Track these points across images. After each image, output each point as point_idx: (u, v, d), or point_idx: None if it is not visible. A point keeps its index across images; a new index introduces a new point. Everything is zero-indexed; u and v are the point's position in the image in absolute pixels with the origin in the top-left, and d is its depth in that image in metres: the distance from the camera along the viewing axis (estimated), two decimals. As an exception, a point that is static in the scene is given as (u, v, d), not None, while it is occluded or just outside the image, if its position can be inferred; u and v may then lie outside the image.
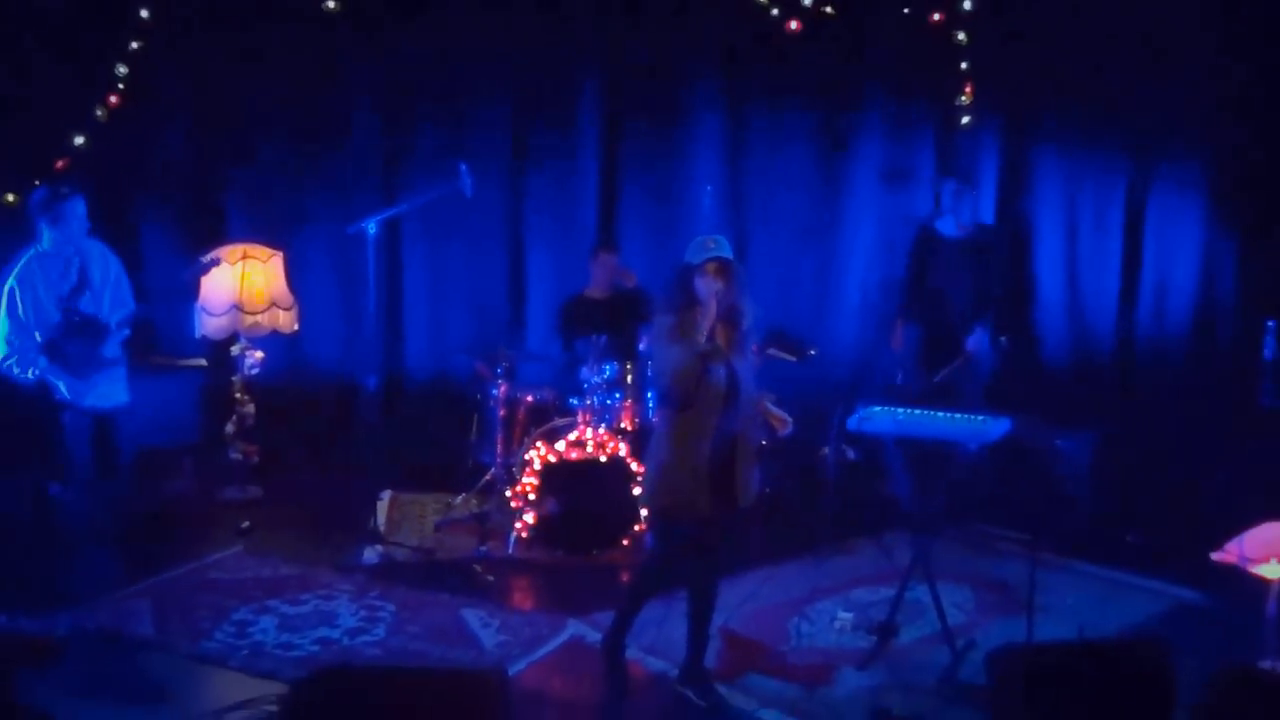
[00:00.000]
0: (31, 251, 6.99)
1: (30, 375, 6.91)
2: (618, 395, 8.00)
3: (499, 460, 8.20)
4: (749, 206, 9.71)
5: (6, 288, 6.91)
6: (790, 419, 5.80)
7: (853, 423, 6.38)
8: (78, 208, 6.96)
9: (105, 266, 7.12)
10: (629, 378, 8.05)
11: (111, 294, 7.11)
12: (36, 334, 6.88)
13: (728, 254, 5.57)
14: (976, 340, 8.13)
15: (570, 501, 7.71)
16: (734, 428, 5.65)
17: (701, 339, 5.55)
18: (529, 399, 8.36)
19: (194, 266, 7.84)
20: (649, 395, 7.86)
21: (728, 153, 9.70)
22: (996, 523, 7.98)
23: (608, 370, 7.94)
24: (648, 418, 7.86)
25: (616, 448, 7.72)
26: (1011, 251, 9.15)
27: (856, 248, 9.87)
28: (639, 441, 7.46)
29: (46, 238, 6.98)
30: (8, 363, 6.88)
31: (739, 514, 5.82)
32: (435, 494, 8.59)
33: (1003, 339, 8.10)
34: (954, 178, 8.53)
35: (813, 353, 8.35)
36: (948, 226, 8.39)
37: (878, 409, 6.42)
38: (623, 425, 7.97)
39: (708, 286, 5.55)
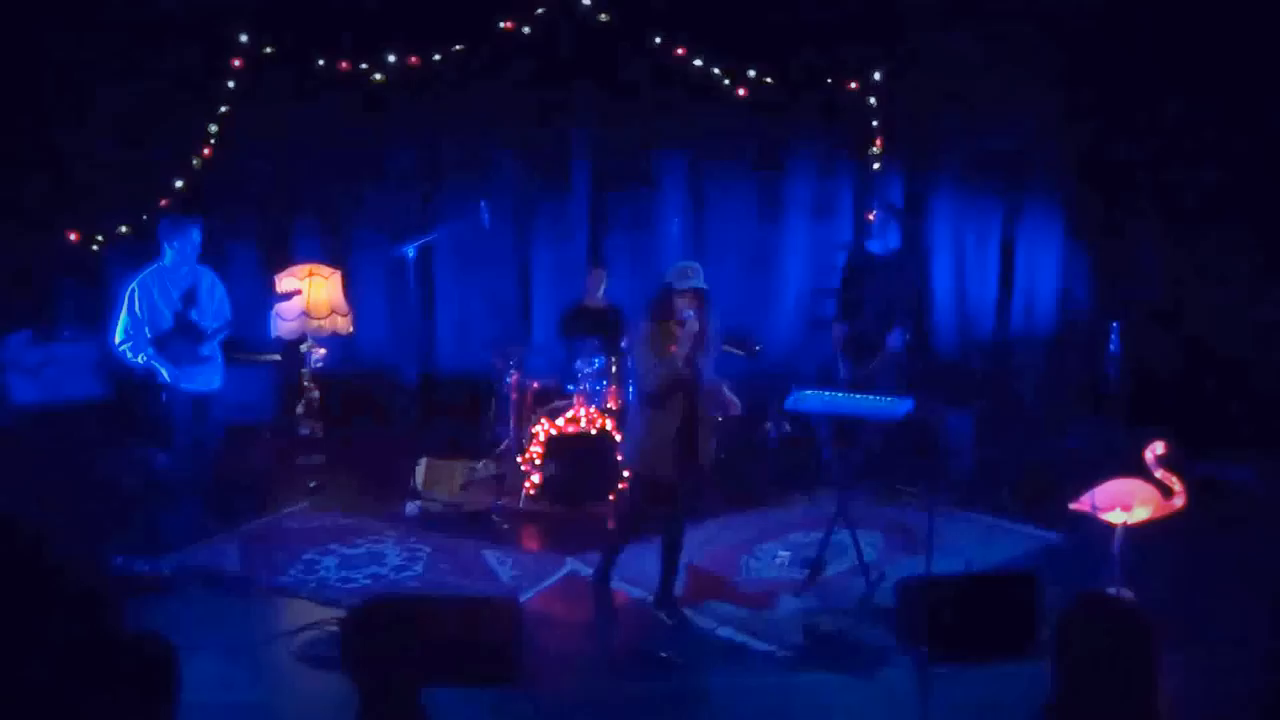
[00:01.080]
0: (155, 265, 6.86)
1: (140, 360, 6.75)
2: (604, 382, 7.95)
3: (512, 433, 8.11)
4: (708, 234, 9.57)
5: (130, 289, 6.79)
6: (739, 401, 5.75)
7: (789, 403, 6.33)
8: (194, 234, 6.83)
9: (212, 287, 6.98)
10: (613, 369, 7.99)
11: (215, 309, 6.97)
12: (147, 329, 6.75)
13: (703, 283, 5.50)
14: (895, 338, 7.88)
15: (567, 465, 7.66)
16: (696, 409, 5.65)
17: (679, 351, 5.47)
18: (535, 385, 8.28)
19: (276, 297, 7.81)
20: (629, 382, 7.66)
21: (691, 193, 9.55)
22: (902, 480, 7.86)
23: (597, 362, 7.88)
24: (628, 399, 7.60)
25: (604, 423, 7.68)
26: (918, 268, 9.01)
27: (792, 265, 9.75)
28: (621, 417, 7.41)
29: (168, 256, 6.84)
30: (123, 346, 6.72)
31: (700, 474, 5.82)
32: (462, 460, 8.42)
33: (901, 332, 7.95)
34: (882, 208, 8.28)
35: (758, 349, 8.32)
36: (876, 247, 8.15)
37: (809, 392, 6.38)
38: (609, 405, 7.92)
39: (685, 307, 5.51)
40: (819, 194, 9.57)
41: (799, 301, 9.72)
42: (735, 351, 7.76)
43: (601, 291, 8.43)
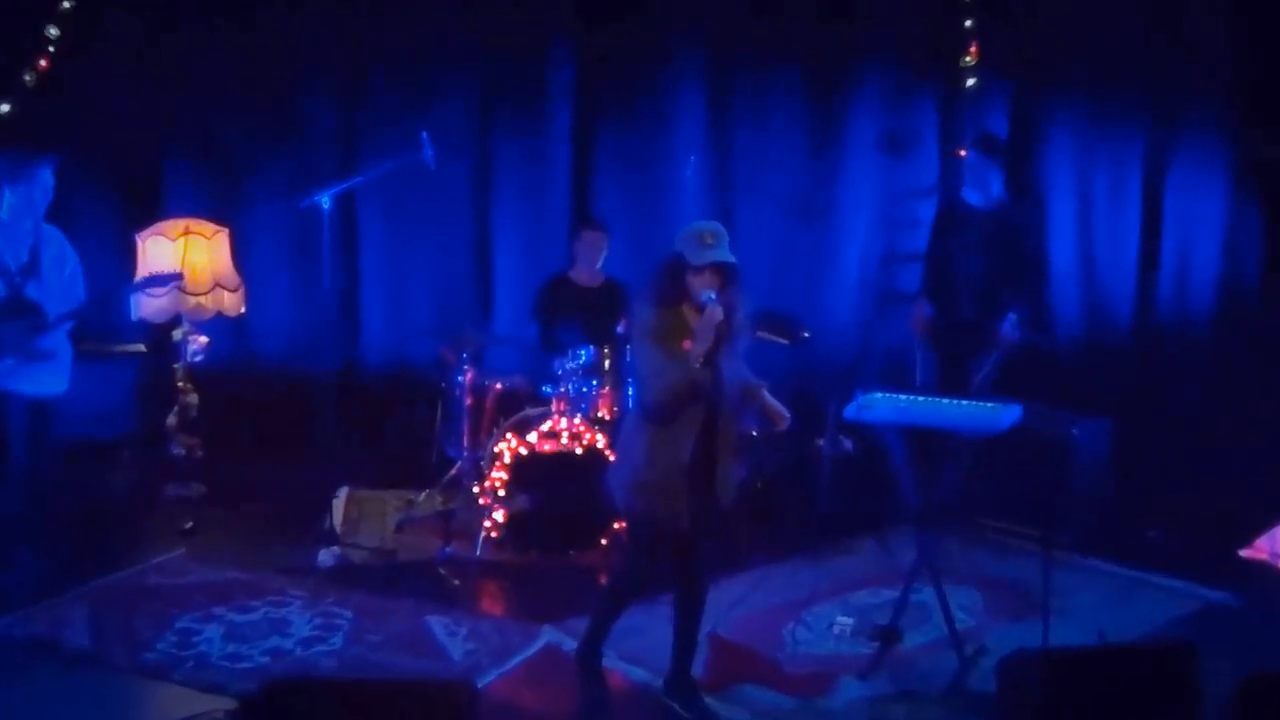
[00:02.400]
0: None
1: None
2: (594, 382, 8.00)
3: (465, 453, 8.20)
4: (735, 177, 9.68)
5: None
6: (788, 413, 5.83)
7: (850, 411, 6.37)
8: (44, 177, 6.87)
9: (61, 257, 7.00)
10: (606, 363, 8.04)
11: (63, 287, 6.99)
12: None
13: (729, 256, 5.57)
14: (1008, 326, 8.05)
15: (543, 497, 7.73)
16: (718, 424, 5.71)
17: (694, 348, 5.54)
18: (498, 386, 8.35)
19: (148, 281, 7.74)
20: (629, 382, 7.84)
21: (712, 119, 9.65)
22: (1007, 518, 7.94)
23: (583, 355, 7.95)
24: (627, 406, 7.83)
25: (594, 439, 7.72)
26: (1034, 226, 9.04)
27: (854, 222, 9.85)
28: (618, 432, 7.29)
29: (5, 204, 6.87)
30: None
31: (724, 512, 5.84)
32: (396, 490, 8.57)
33: (1015, 317, 8.09)
34: (980, 143, 8.45)
35: (806, 335, 8.37)
36: (973, 197, 8.31)
37: (878, 395, 6.41)
38: (600, 414, 7.98)
39: (704, 287, 5.56)
40: (891, 123, 9.72)
41: (864, 271, 9.85)
42: (775, 339, 7.93)
43: (600, 262, 8.60)
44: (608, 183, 9.68)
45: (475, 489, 7.97)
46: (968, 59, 9.42)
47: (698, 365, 5.54)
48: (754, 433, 5.87)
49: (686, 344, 5.57)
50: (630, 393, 7.64)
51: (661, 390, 5.55)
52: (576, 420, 7.82)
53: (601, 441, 7.69)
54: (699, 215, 8.34)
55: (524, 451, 7.73)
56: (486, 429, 8.24)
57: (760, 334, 7.12)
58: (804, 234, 9.81)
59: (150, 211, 8.87)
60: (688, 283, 5.57)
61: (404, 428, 9.02)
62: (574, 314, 8.36)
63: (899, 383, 7.65)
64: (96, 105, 8.88)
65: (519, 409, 8.14)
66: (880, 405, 6.45)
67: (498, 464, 7.74)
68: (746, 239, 9.06)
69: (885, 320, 9.32)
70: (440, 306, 9.55)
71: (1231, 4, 9.13)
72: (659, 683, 6.02)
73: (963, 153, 8.73)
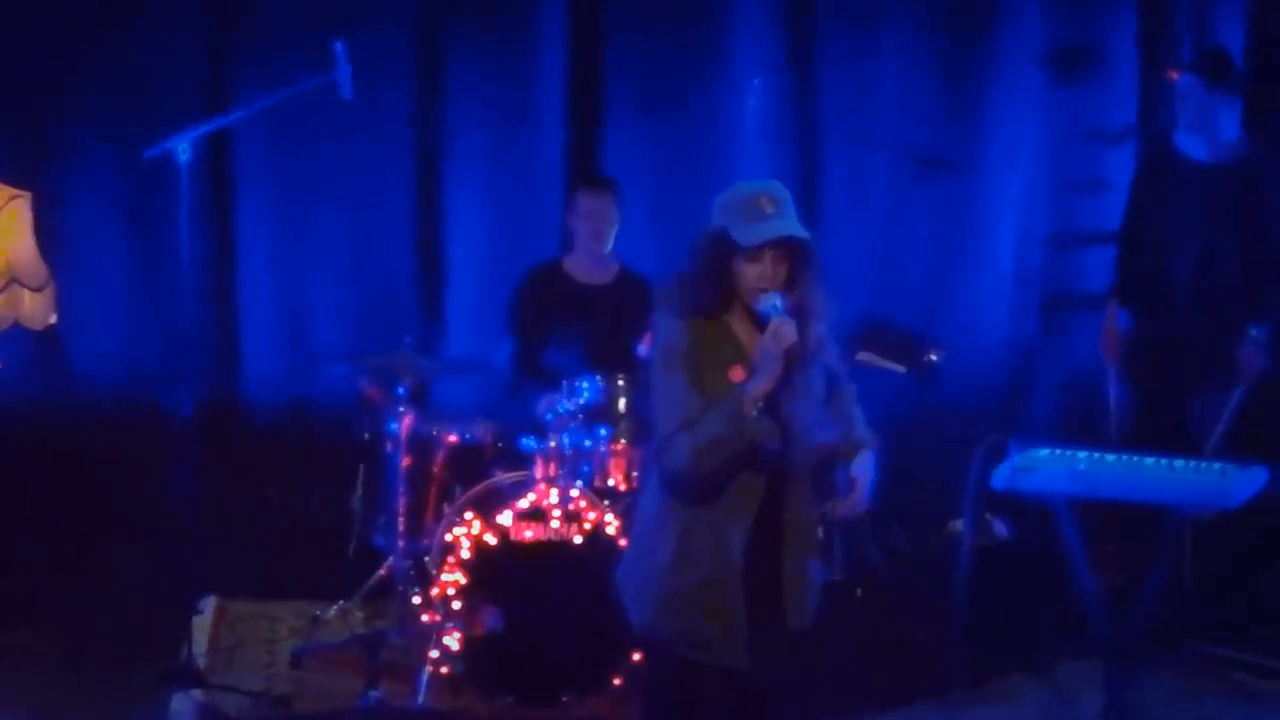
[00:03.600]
0: None
1: None
2: (601, 432, 8.03)
3: (401, 543, 8.14)
4: (823, 116, 9.81)
5: None
6: (865, 495, 5.64)
7: (1002, 477, 6.40)
8: None
9: None
10: (620, 402, 8.13)
11: None
12: None
13: (796, 228, 5.45)
14: (1254, 348, 8.15)
15: (522, 614, 7.71)
16: (786, 509, 5.64)
17: (752, 386, 5.39)
18: (451, 439, 8.37)
19: None
20: (647, 441, 7.70)
21: (789, 23, 9.82)
22: (1253, 645, 7.95)
23: (584, 390, 8.00)
24: (645, 477, 7.68)
25: (600, 520, 7.71)
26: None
27: (1007, 183, 9.94)
28: (635, 510, 7.03)
29: None
30: None
31: (796, 638, 5.72)
32: (292, 602, 8.67)
33: (1261, 330, 8.17)
34: (1199, 66, 8.51)
35: (933, 358, 8.45)
36: (1192, 146, 8.42)
37: (1045, 452, 6.44)
38: (610, 482, 8.05)
39: (761, 282, 5.46)
40: (1065, 30, 9.90)
41: (1023, 259, 9.99)
42: (883, 365, 8.09)
43: (608, 243, 8.74)
44: (623, 123, 9.81)
45: (416, 600, 8.03)
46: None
47: (754, 410, 5.40)
48: (838, 511, 5.63)
49: (737, 374, 5.47)
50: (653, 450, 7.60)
51: (697, 449, 5.41)
52: (573, 492, 7.82)
53: (612, 525, 7.70)
54: (764, 173, 8.44)
55: (492, 541, 7.73)
56: (433, 506, 8.28)
57: (860, 357, 7.54)
58: (929, 200, 9.91)
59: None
60: (737, 276, 5.48)
61: (304, 502, 9.22)
62: (570, 325, 8.48)
63: (1079, 433, 8.01)
64: None
65: (484, 474, 8.19)
66: (1049, 467, 6.43)
67: (451, 561, 7.73)
68: (838, 208, 9.48)
69: (1056, 335, 9.53)
70: (362, 315, 9.73)
71: None
72: None
73: (1175, 75, 8.74)
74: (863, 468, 5.60)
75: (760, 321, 5.43)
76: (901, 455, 6.05)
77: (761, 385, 5.35)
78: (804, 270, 5.51)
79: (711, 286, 5.51)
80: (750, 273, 5.43)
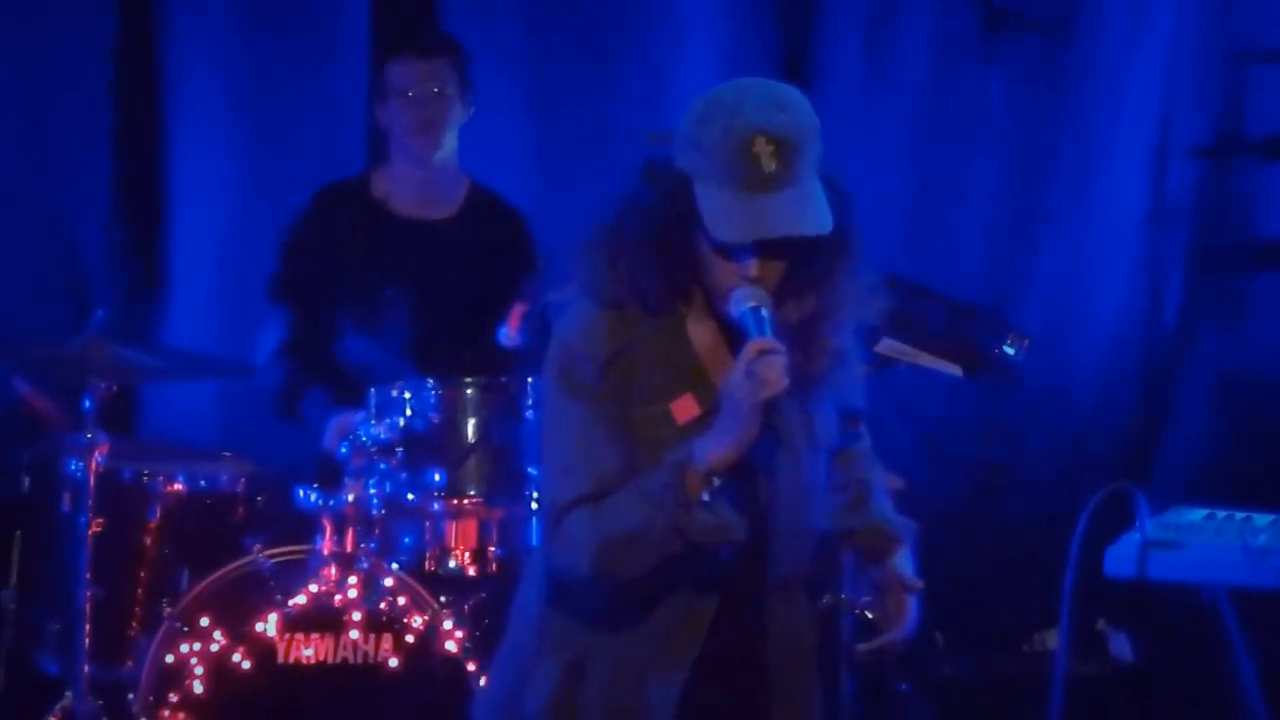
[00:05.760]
0: None
1: None
2: (438, 478, 6.55)
3: (86, 669, 6.73)
4: None
5: None
6: (908, 616, 4.57)
7: (1125, 558, 4.79)
8: None
9: None
10: (470, 423, 6.66)
11: None
12: None
13: (812, 214, 4.28)
14: None
15: None
16: (750, 637, 4.60)
17: (711, 440, 4.28)
18: (175, 487, 6.91)
19: None
20: (531, 479, 6.77)
21: None
22: None
23: (408, 404, 6.60)
24: (523, 539, 6.80)
25: (434, 627, 6.49)
26: None
27: (1132, 59, 8.47)
28: (498, 611, 5.78)
29: None
30: None
31: None
32: None
33: None
34: None
35: (1009, 351, 6.89)
36: None
37: (1197, 516, 4.94)
38: (453, 564, 6.70)
39: (736, 274, 4.34)
40: None
41: (1160, 181, 8.48)
42: (930, 363, 6.83)
43: (445, 144, 7.38)
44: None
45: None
46: None
47: (707, 491, 4.26)
48: (865, 613, 4.59)
49: (685, 408, 4.42)
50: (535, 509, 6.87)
51: (604, 543, 4.39)
52: (387, 580, 6.49)
53: (454, 637, 6.42)
54: (746, 69, 6.62)
55: (246, 665, 6.48)
56: (143, 604, 6.92)
57: (885, 348, 6.51)
58: (1003, 81, 8.54)
59: None
60: (700, 257, 4.39)
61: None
62: (381, 290, 7.18)
63: (1259, 476, 7.21)
64: None
65: (231, 551, 6.75)
66: (1206, 540, 4.90)
67: (174, 700, 6.49)
68: (842, 81, 8.43)
69: (1218, 308, 8.16)
70: (21, 285, 8.12)
71: None
72: None
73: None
74: (902, 569, 4.60)
75: (735, 326, 4.43)
76: (955, 520, 6.24)
77: (721, 452, 4.29)
78: (821, 268, 4.43)
79: (656, 265, 4.41)
80: (724, 264, 4.42)
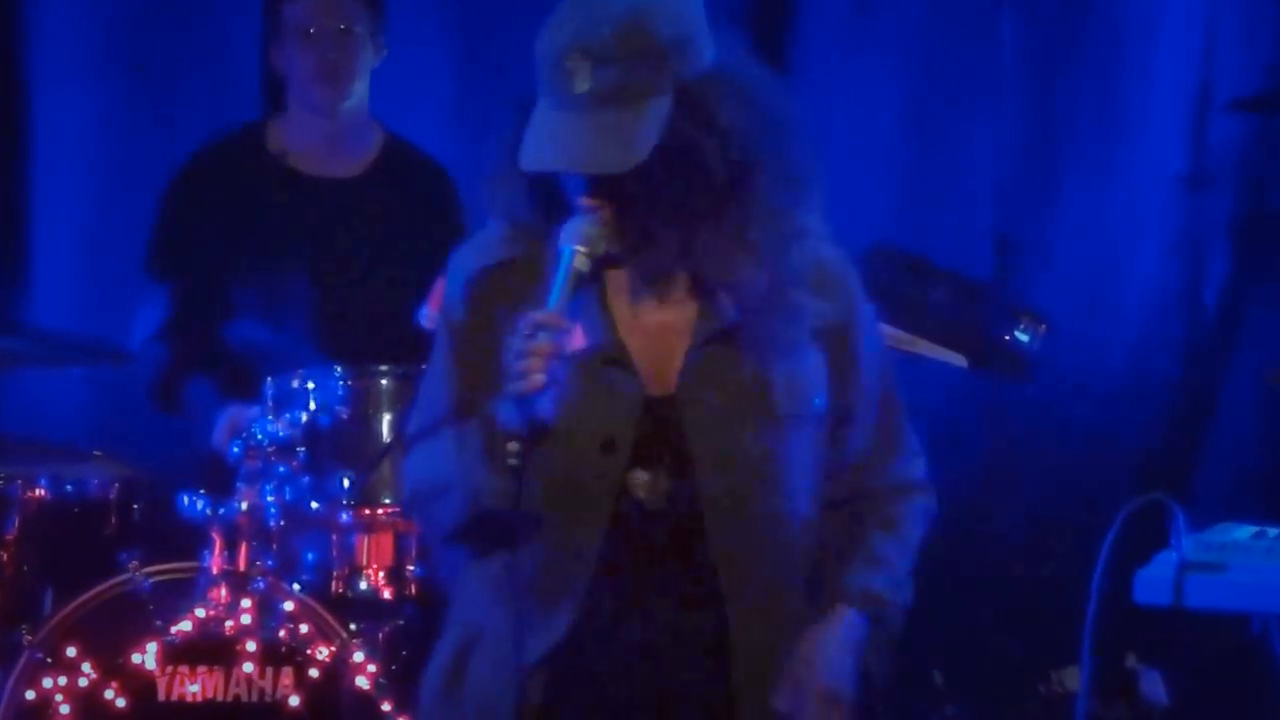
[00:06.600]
0: None
1: None
2: (347, 483, 6.34)
3: None
4: None
5: None
6: (842, 695, 4.18)
7: (1159, 583, 4.48)
8: None
9: None
10: (385, 419, 6.53)
11: None
12: None
13: (609, 149, 4.15)
14: None
15: None
16: (711, 570, 4.26)
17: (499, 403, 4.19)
18: (36, 493, 6.77)
19: None
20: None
21: None
22: None
23: (311, 395, 6.41)
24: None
25: (341, 659, 6.27)
26: None
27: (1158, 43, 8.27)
28: (417, 641, 6.21)
29: None
30: None
31: None
32: None
33: None
34: None
35: (1022, 338, 6.72)
36: None
37: (1244, 534, 4.66)
38: (364, 585, 6.56)
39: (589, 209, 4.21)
40: None
41: (1202, 137, 8.20)
42: (929, 351, 6.64)
43: (353, 89, 7.08)
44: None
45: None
46: None
47: (514, 454, 4.06)
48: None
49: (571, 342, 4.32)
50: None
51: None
52: (286, 604, 6.36)
53: (364, 675, 6.20)
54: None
55: (121, 704, 6.28)
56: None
57: (897, 339, 6.22)
58: (1013, 19, 8.30)
59: None
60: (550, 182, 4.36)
61: None
62: (280, 259, 6.96)
63: None
64: None
65: (102, 569, 6.50)
66: (1254, 563, 4.55)
67: None
68: (857, 82, 8.33)
69: (1268, 291, 7.87)
70: None
71: None
72: None
73: None
74: (828, 660, 4.25)
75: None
76: (957, 538, 5.84)
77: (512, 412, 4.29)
78: (702, 208, 4.14)
79: (525, 184, 4.30)
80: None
